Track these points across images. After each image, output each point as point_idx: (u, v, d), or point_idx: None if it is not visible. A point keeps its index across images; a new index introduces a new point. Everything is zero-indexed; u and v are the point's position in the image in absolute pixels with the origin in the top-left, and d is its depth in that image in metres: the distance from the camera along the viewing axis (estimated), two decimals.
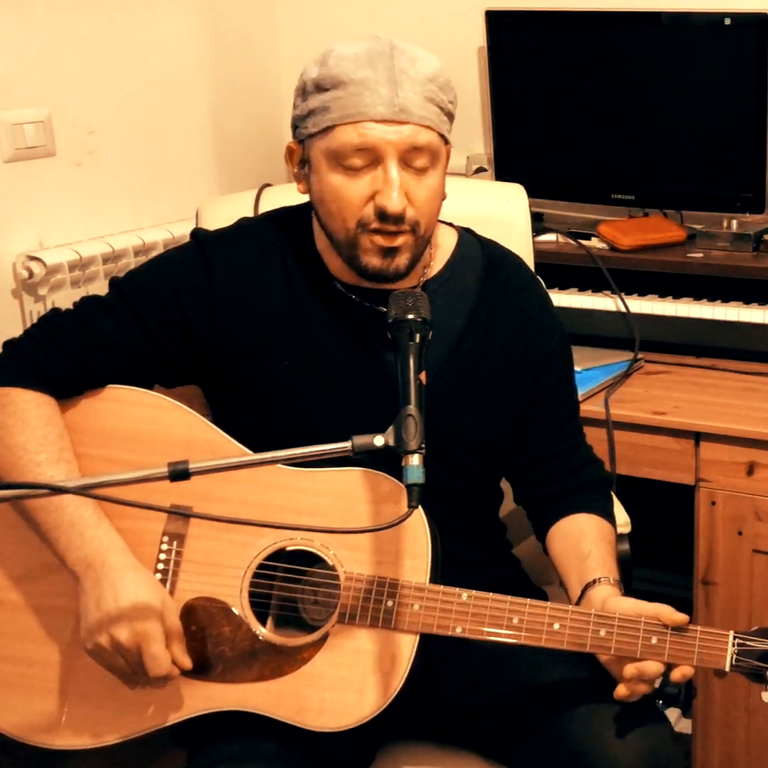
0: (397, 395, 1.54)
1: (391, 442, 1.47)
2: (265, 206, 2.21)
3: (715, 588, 2.33)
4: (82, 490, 1.46)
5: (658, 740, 1.62)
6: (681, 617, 1.59)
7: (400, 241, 1.69)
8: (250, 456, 1.50)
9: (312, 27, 3.18)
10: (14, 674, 1.70)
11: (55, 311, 1.82)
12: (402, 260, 1.70)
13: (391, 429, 1.48)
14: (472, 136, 3.01)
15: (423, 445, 1.47)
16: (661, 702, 1.69)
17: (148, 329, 1.77)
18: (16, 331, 1.84)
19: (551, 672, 1.72)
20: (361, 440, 1.47)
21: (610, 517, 1.86)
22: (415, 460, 1.46)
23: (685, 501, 2.36)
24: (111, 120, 2.77)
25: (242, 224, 1.87)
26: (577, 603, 1.71)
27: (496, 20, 2.80)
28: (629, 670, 1.57)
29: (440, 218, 1.89)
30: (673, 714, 2.67)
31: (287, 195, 1.91)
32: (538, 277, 1.98)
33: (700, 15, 2.59)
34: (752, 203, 2.63)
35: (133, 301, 1.77)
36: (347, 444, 1.47)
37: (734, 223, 2.63)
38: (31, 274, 2.54)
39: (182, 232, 2.78)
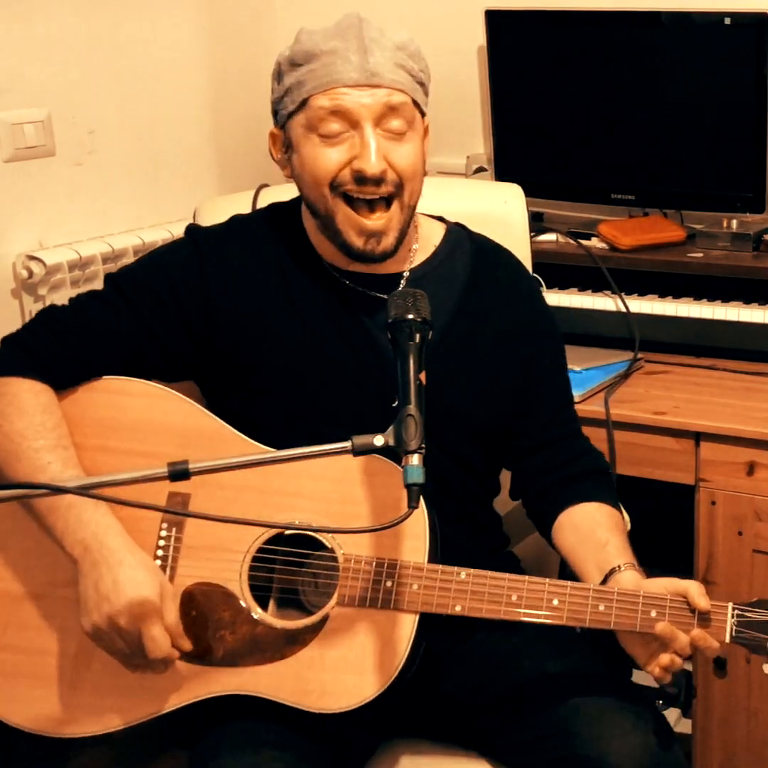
0: (392, 381, 1.55)
1: (391, 442, 1.47)
2: (263, 205, 2.21)
3: (715, 588, 2.33)
4: (82, 490, 1.46)
5: (660, 746, 1.62)
6: (705, 605, 1.58)
7: (383, 222, 1.70)
8: (250, 456, 1.50)
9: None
10: (20, 664, 1.70)
11: (52, 306, 1.83)
12: (389, 241, 1.72)
13: (391, 429, 1.48)
14: (472, 135, 3.01)
15: (423, 446, 1.47)
16: (661, 702, 1.70)
17: (145, 320, 1.78)
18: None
19: (554, 672, 1.73)
20: (361, 440, 1.47)
21: (618, 507, 1.86)
22: (414, 460, 1.46)
23: (685, 501, 2.36)
24: (111, 120, 2.77)
25: (234, 219, 1.90)
26: None
27: (496, 20, 2.80)
28: (664, 658, 1.59)
29: (435, 214, 1.90)
30: (673, 714, 2.67)
31: (284, 195, 1.93)
32: (526, 266, 1.99)
33: (700, 15, 2.59)
34: (752, 203, 2.63)
35: (128, 293, 1.79)
36: (347, 444, 1.47)
37: (734, 223, 2.63)
38: (30, 274, 2.54)
39: (182, 231, 2.77)
